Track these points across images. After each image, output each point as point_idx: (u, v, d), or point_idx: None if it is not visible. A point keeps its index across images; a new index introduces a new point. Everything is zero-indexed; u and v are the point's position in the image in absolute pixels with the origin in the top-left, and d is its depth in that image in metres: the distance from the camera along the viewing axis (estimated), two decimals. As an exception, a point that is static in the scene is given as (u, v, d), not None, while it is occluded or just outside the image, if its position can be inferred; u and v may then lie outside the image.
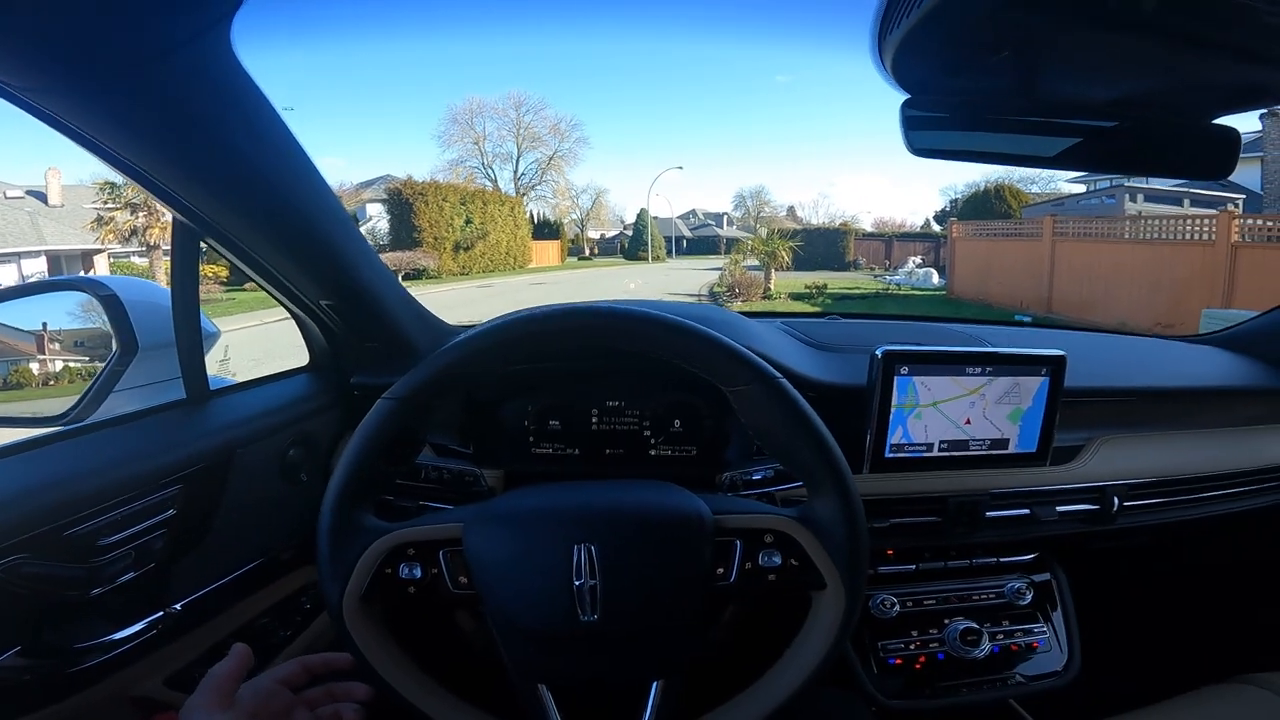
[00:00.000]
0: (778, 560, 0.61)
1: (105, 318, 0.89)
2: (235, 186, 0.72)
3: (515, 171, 37.56)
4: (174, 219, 0.76)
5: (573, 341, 0.64)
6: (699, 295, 15.32)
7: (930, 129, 0.71)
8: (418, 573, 0.61)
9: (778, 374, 0.62)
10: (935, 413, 0.92)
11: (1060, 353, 0.93)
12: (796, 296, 14.65)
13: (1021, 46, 0.61)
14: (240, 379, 1.01)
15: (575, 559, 0.58)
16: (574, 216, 41.04)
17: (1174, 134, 0.72)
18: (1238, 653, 1.37)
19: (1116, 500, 1.04)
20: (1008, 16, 0.56)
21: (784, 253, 16.43)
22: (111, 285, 0.90)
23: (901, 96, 0.68)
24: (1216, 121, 0.71)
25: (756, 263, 17.39)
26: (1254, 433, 1.20)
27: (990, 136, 0.73)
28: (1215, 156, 0.72)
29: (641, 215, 35.82)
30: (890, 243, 28.99)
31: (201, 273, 0.86)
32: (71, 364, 0.98)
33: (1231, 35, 0.54)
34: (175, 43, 0.54)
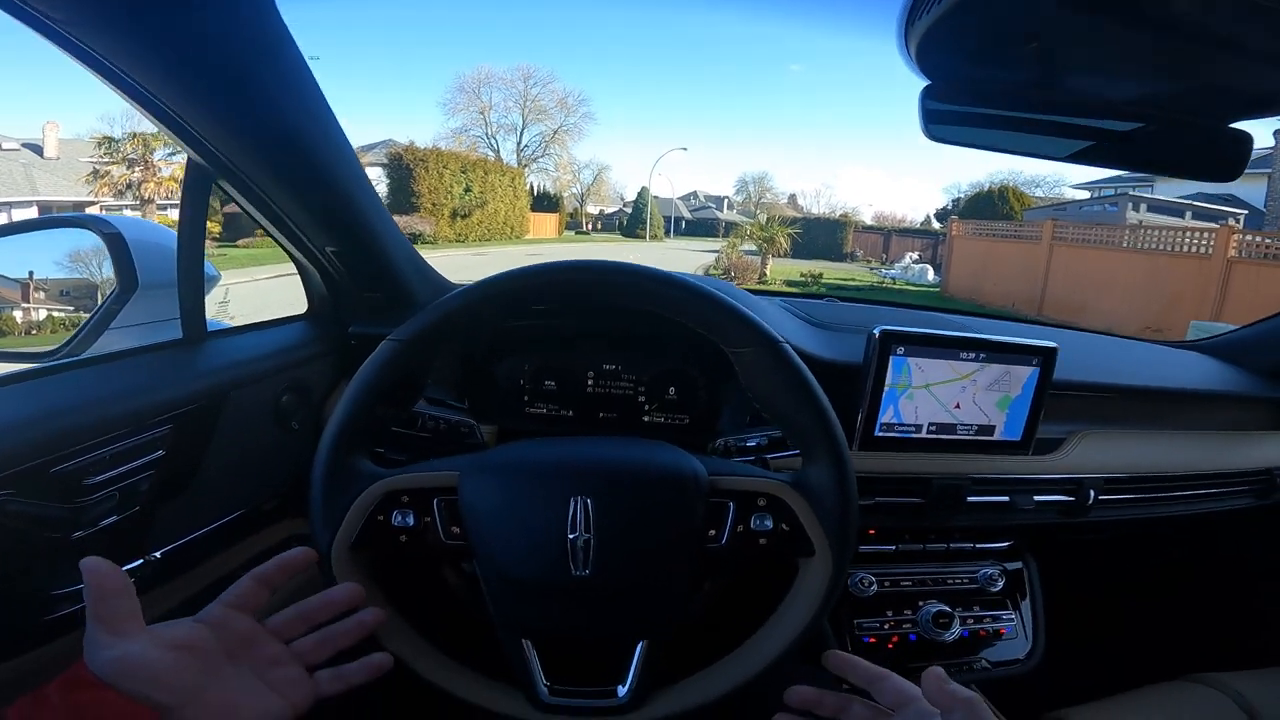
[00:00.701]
0: (769, 524, 0.62)
1: (108, 254, 0.89)
2: (256, 129, 0.71)
3: (519, 143, 37.28)
4: (189, 159, 0.75)
5: (581, 295, 0.64)
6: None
7: (948, 117, 0.71)
8: (410, 521, 0.61)
9: (780, 338, 0.63)
10: (927, 395, 0.93)
11: (1052, 344, 0.94)
12: (791, 283, 14.67)
13: (1049, 40, 0.61)
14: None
15: (570, 512, 0.59)
16: (574, 191, 40.86)
17: (1189, 135, 0.72)
18: (1193, 651, 1.41)
19: (1092, 493, 1.06)
20: (1040, 8, 0.56)
21: (782, 239, 16.43)
22: (117, 224, 0.90)
23: (921, 83, 0.68)
24: (1233, 125, 0.71)
25: (754, 248, 17.36)
26: (1230, 437, 1.23)
27: (1005, 127, 0.73)
28: (1225, 159, 0.72)
29: (642, 194, 35.61)
30: (889, 237, 28.99)
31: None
32: (68, 299, 0.98)
33: (1264, 41, 0.53)
34: None
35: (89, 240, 0.91)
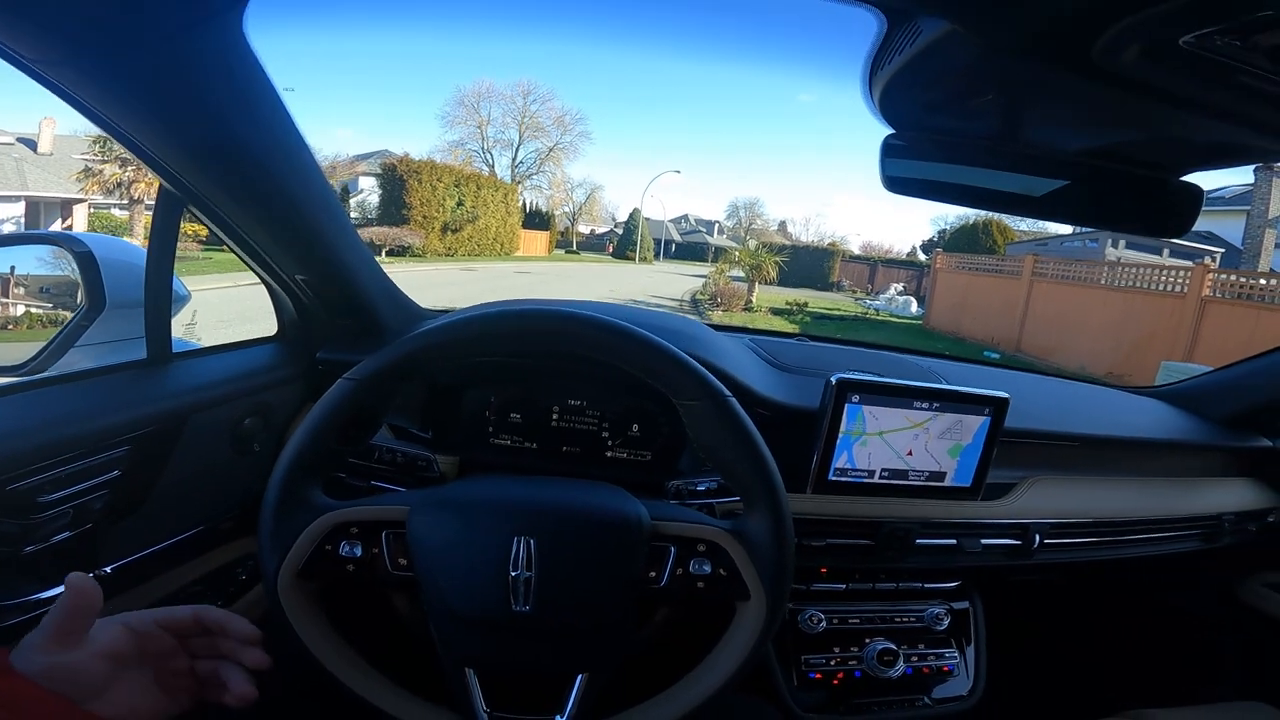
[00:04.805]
0: (708, 569, 0.64)
1: (77, 273, 0.89)
2: (226, 162, 0.72)
3: (514, 159, 37.59)
4: (160, 185, 0.77)
5: (533, 343, 0.66)
6: (681, 301, 15.37)
7: (907, 164, 0.73)
8: (358, 551, 0.62)
9: (726, 392, 0.65)
10: (880, 442, 0.95)
11: (1004, 395, 0.97)
12: (777, 311, 14.75)
13: (1002, 93, 0.63)
14: (206, 341, 1.01)
15: (514, 550, 0.60)
16: (566, 209, 41.13)
17: (1141, 188, 0.74)
18: (1131, 688, 1.44)
19: (1038, 537, 1.09)
20: (993, 63, 0.57)
21: (770, 267, 16.55)
22: (88, 242, 0.90)
23: (886, 130, 0.71)
24: (1184, 179, 0.73)
25: (741, 274, 17.50)
26: (1182, 483, 1.27)
27: (962, 177, 0.75)
28: (1177, 213, 0.74)
29: (634, 215, 35.88)
30: (875, 267, 29.35)
31: (181, 230, 0.86)
32: (34, 315, 0.98)
33: (1214, 96, 0.55)
34: (189, 21, 0.55)
35: (61, 258, 0.92)
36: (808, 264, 27.67)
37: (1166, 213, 0.75)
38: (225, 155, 0.71)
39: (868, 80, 0.66)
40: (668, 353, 0.65)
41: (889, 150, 0.71)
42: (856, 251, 36.25)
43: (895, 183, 0.73)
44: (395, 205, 21.08)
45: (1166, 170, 0.74)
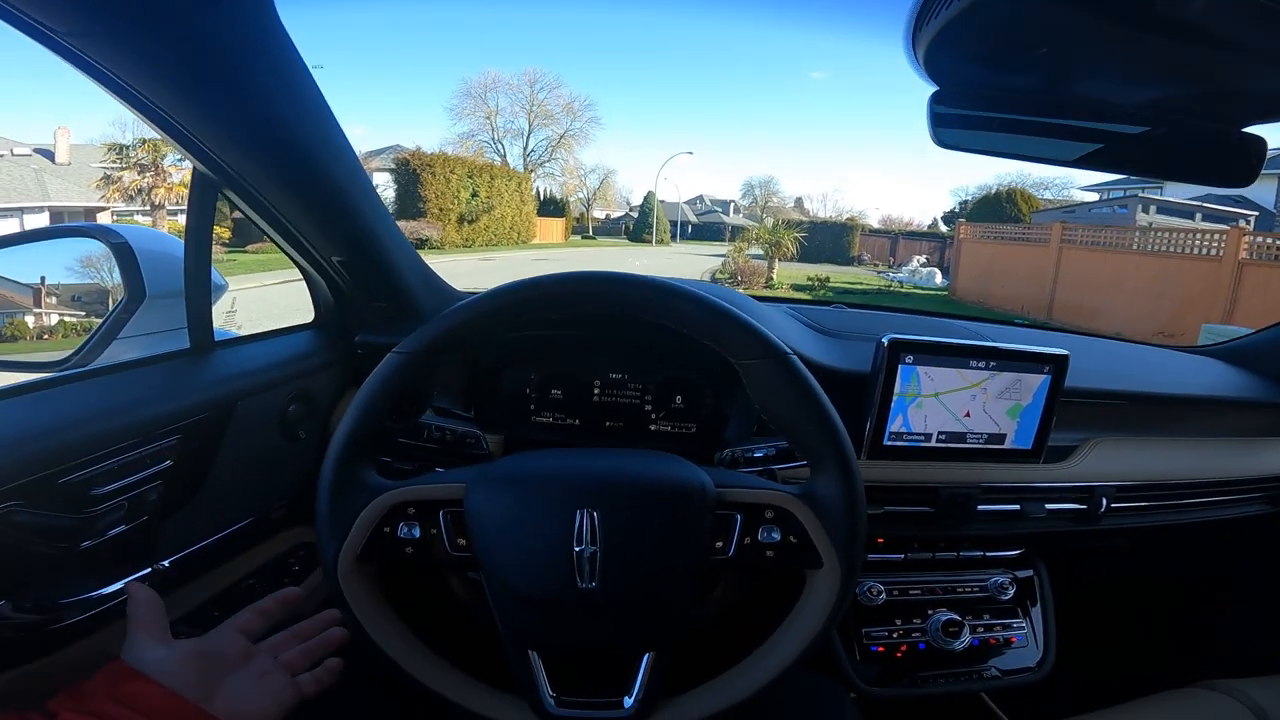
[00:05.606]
0: (777, 536, 0.61)
1: (115, 265, 0.89)
2: (261, 140, 0.71)
3: (525, 148, 37.54)
4: (194, 170, 0.76)
5: (585, 307, 0.64)
6: (700, 281, 15.26)
7: (957, 123, 0.70)
8: (416, 533, 0.60)
9: (788, 349, 0.62)
10: (936, 403, 0.92)
11: (1063, 351, 0.93)
12: (798, 288, 14.60)
13: (1059, 45, 0.60)
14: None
15: (577, 524, 0.58)
16: (581, 195, 41.04)
17: (1201, 140, 0.71)
18: (1206, 658, 1.40)
19: (1104, 501, 1.05)
20: (1050, 13, 0.54)
21: (789, 243, 16.38)
22: (124, 233, 0.90)
23: (930, 89, 0.67)
24: (1246, 130, 0.69)
25: (760, 252, 17.35)
26: (1244, 443, 1.22)
27: (1014, 133, 0.72)
28: (1240, 164, 0.71)
29: (649, 198, 35.69)
30: (896, 240, 28.90)
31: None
32: (76, 309, 0.98)
33: (1277, 44, 0.52)
34: None
35: (96, 250, 0.92)
36: (827, 239, 27.35)
37: (1229, 164, 0.72)
38: (260, 132, 0.70)
39: (910, 39, 0.63)
40: (725, 311, 0.62)
41: (937, 109, 0.68)
42: (876, 225, 35.81)
43: (946, 143, 0.70)
44: (411, 199, 21.18)
45: (1228, 121, 0.70)
